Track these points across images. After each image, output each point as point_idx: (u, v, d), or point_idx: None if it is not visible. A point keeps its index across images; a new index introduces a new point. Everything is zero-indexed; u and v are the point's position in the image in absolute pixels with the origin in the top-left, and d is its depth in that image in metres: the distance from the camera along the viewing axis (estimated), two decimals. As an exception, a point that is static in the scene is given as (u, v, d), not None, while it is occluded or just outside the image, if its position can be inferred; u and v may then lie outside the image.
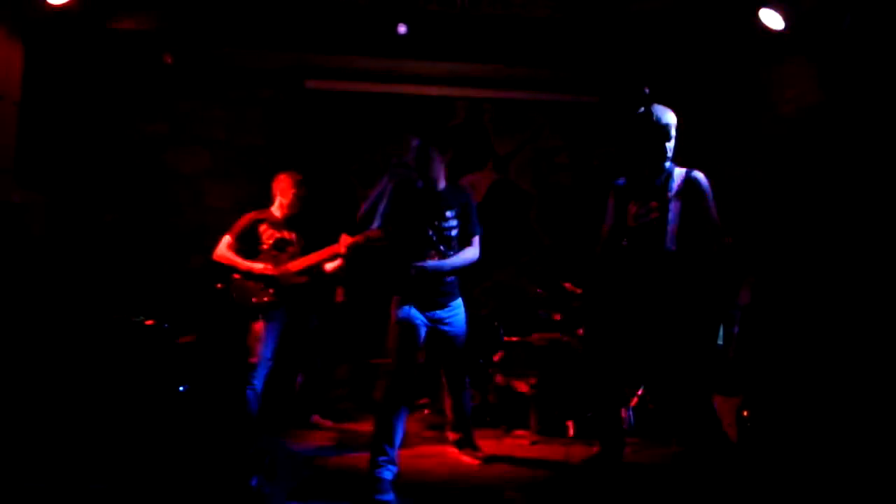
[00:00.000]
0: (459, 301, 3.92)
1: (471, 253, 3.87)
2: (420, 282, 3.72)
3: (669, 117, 3.25)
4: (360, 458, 3.72)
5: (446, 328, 3.83)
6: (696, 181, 3.25)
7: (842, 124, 4.31)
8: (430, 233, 3.75)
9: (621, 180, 3.48)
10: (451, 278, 3.85)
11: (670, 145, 3.27)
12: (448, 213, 3.81)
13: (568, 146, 6.41)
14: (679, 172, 3.28)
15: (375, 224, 3.72)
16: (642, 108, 3.23)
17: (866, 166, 4.11)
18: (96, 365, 4.42)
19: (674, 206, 3.20)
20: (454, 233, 3.83)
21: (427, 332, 3.77)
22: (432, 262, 3.74)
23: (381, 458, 3.45)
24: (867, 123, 4.12)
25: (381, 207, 3.73)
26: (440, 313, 3.80)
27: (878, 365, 3.74)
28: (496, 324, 5.10)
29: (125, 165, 5.71)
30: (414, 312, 3.71)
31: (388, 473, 3.44)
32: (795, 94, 4.69)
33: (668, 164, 3.30)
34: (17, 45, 4.71)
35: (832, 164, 4.36)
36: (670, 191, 3.24)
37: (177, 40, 5.28)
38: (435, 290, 3.78)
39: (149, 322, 4.66)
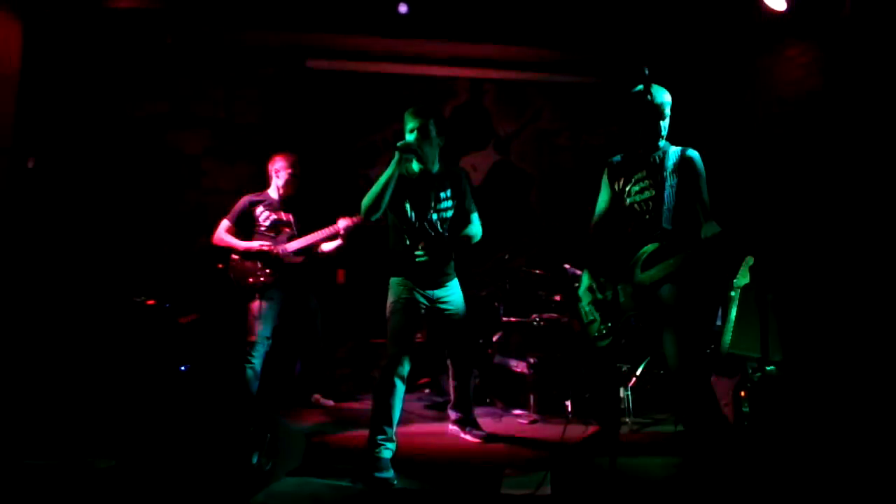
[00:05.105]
0: (455, 281, 3.93)
1: (474, 229, 3.86)
2: (429, 256, 3.73)
3: (664, 96, 3.26)
4: (361, 437, 3.76)
5: (446, 307, 3.84)
6: (691, 159, 3.25)
7: (842, 108, 4.30)
8: (427, 214, 3.76)
9: (616, 157, 3.48)
10: (450, 258, 3.87)
11: (665, 123, 3.27)
12: (442, 195, 3.80)
13: (569, 127, 6.40)
14: (674, 150, 3.28)
15: (380, 215, 3.66)
16: (639, 87, 3.23)
17: (866, 150, 4.11)
18: (98, 345, 4.45)
19: (670, 185, 3.21)
20: (449, 213, 3.82)
21: (427, 313, 3.79)
22: (427, 249, 3.74)
23: (380, 437, 3.49)
24: (867, 107, 4.12)
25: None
26: (438, 293, 3.81)
27: (875, 348, 3.76)
28: (496, 304, 5.12)
29: (125, 145, 5.70)
30: (413, 292, 3.73)
31: (386, 452, 3.47)
32: (796, 77, 4.68)
33: (662, 142, 3.31)
34: (15, 23, 4.70)
35: (832, 148, 4.36)
36: (666, 169, 3.24)
37: (176, 19, 5.26)
38: (434, 270, 3.79)
39: (150, 302, 4.68)
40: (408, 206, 3.73)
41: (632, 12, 5.20)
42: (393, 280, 3.79)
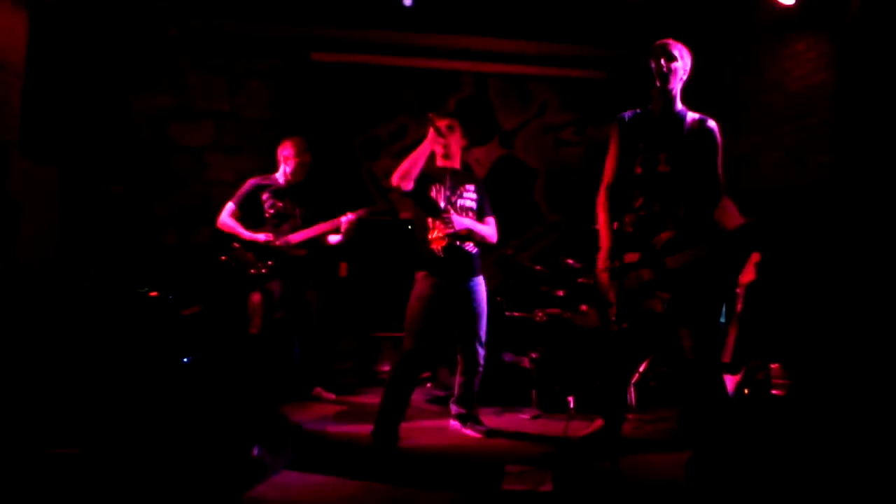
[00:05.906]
0: (481, 278, 3.93)
1: (489, 230, 3.89)
2: (448, 247, 3.72)
3: (676, 44, 3.19)
4: (362, 430, 3.76)
5: (470, 303, 3.83)
6: (710, 131, 3.13)
7: (850, 102, 4.26)
8: (453, 200, 3.79)
9: (628, 113, 3.31)
10: (475, 251, 3.84)
11: (677, 66, 3.17)
12: (468, 186, 3.88)
13: (574, 121, 6.38)
14: (692, 117, 3.17)
15: (412, 186, 3.69)
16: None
17: (874, 145, 4.07)
18: (100, 336, 4.44)
19: (687, 155, 3.08)
20: (475, 206, 3.87)
21: (450, 308, 3.76)
22: (459, 218, 3.75)
23: (384, 432, 3.49)
24: (876, 102, 4.08)
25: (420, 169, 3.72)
26: (465, 287, 3.81)
27: (881, 345, 3.73)
28: (498, 299, 5.11)
29: (131, 138, 5.70)
30: (438, 287, 3.71)
31: (389, 447, 3.47)
32: (804, 72, 4.64)
33: (679, 105, 3.22)
34: (20, 14, 4.68)
35: (839, 143, 4.33)
36: (684, 138, 3.11)
37: (182, 10, 5.24)
38: (462, 264, 3.78)
39: (153, 293, 4.68)
40: (434, 191, 3.77)
41: (638, 6, 5.17)
42: (418, 274, 3.78)
